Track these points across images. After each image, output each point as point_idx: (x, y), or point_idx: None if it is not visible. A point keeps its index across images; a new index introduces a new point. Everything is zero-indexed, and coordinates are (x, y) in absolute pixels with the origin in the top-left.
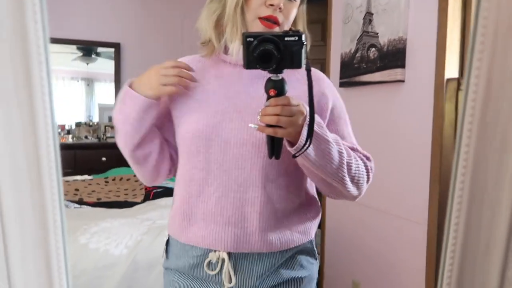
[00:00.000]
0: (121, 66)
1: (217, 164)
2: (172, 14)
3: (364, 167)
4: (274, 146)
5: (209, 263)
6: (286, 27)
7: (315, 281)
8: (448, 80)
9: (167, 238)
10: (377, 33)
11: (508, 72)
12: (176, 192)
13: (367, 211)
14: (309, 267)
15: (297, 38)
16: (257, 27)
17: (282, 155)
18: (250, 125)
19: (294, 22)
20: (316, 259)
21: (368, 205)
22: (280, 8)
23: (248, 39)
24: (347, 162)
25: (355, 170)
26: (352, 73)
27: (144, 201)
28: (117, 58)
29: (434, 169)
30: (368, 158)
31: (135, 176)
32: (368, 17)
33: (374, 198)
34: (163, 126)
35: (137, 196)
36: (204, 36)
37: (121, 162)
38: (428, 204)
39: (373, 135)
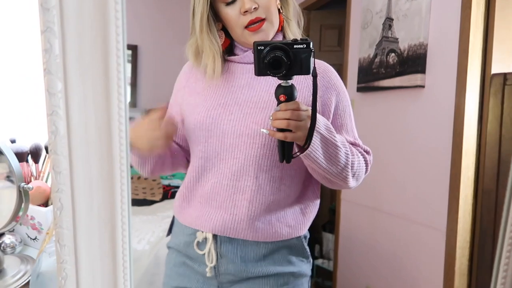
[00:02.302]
0: (137, 69)
1: (215, 153)
2: (189, 17)
3: (364, 162)
4: (285, 150)
5: (198, 242)
6: (273, 15)
7: (307, 279)
8: (494, 75)
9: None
10: (397, 38)
11: None
12: (184, 178)
13: (382, 216)
14: (298, 264)
15: (305, 46)
16: (248, 36)
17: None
18: (262, 130)
19: (283, 1)
20: (307, 258)
21: (383, 210)
22: (255, 8)
23: (259, 47)
24: (351, 162)
25: (357, 167)
26: (370, 78)
27: (162, 199)
28: (134, 61)
29: (454, 175)
30: (368, 152)
31: None
32: (388, 22)
33: (390, 203)
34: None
35: (155, 194)
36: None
37: None
38: (447, 211)
39: (392, 140)
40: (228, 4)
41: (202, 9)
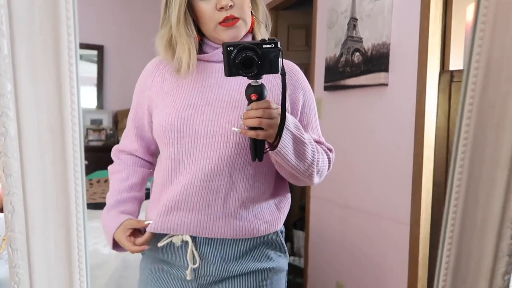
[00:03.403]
0: (103, 69)
1: (187, 154)
2: (155, 17)
3: (327, 160)
4: (257, 149)
5: (175, 246)
6: (246, 14)
7: (284, 273)
8: (442, 72)
9: None
10: (361, 38)
11: (505, 59)
12: (153, 181)
13: (351, 212)
14: (277, 259)
15: (273, 45)
16: (220, 31)
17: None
18: (233, 128)
19: (253, 2)
20: (284, 252)
21: (352, 206)
22: (231, 6)
23: (228, 48)
24: (316, 159)
25: (321, 164)
26: (336, 77)
27: None
28: (100, 61)
29: (416, 169)
30: (330, 150)
31: None
32: (353, 22)
33: (358, 199)
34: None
35: None
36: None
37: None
38: (411, 204)
39: (357, 137)
40: None
41: (180, 0)
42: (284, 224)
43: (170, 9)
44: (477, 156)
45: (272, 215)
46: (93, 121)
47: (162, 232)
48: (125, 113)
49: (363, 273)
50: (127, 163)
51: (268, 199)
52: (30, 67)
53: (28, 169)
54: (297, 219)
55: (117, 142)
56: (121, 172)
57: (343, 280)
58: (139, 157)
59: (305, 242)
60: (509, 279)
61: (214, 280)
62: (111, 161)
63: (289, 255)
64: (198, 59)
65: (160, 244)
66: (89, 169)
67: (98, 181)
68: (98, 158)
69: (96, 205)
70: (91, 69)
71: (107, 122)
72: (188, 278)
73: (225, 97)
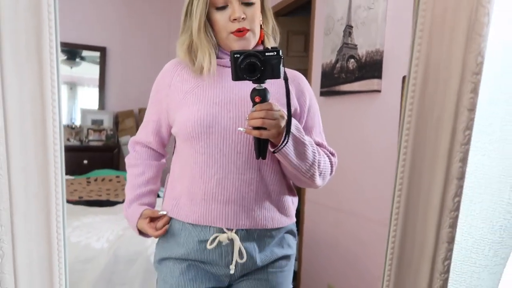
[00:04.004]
0: (106, 71)
1: (217, 149)
2: (158, 19)
3: (329, 163)
4: (261, 148)
5: (216, 243)
6: (256, 26)
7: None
8: (404, 77)
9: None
10: (356, 45)
11: (442, 61)
12: (176, 175)
13: (344, 216)
14: (293, 246)
15: (275, 53)
16: (232, 40)
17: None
18: (239, 128)
19: (264, 15)
20: (296, 239)
21: (345, 210)
22: (243, 18)
23: (235, 55)
24: (318, 160)
25: (323, 166)
26: (332, 82)
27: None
28: (102, 63)
29: None
30: (333, 154)
31: (117, 177)
32: (348, 29)
33: (351, 203)
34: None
35: (119, 195)
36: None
37: (103, 164)
38: None
39: (351, 142)
40: (218, 9)
41: (201, 10)
42: None
43: (191, 18)
44: (418, 151)
45: (290, 208)
46: (94, 122)
47: (202, 224)
48: (126, 114)
49: (354, 276)
50: (143, 156)
51: (287, 194)
52: (14, 62)
53: (12, 153)
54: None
55: (117, 143)
56: (137, 166)
57: (334, 282)
58: (153, 149)
59: (299, 245)
60: (448, 264)
61: (246, 271)
62: (110, 161)
63: None
64: (221, 65)
65: (210, 246)
66: (88, 168)
67: (96, 180)
68: (97, 157)
69: (93, 202)
70: (94, 71)
71: (107, 123)
72: (232, 272)
73: (246, 97)
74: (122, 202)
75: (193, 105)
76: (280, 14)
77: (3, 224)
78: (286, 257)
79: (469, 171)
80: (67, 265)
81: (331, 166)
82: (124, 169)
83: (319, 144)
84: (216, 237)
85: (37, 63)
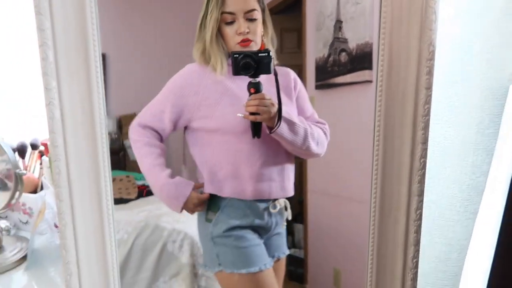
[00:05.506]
0: (106, 77)
1: (251, 140)
2: (157, 26)
3: (322, 132)
4: (256, 129)
5: (265, 211)
6: (258, 37)
7: None
8: None
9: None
10: (346, 39)
11: (402, 49)
12: (213, 163)
13: (345, 202)
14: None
15: (266, 54)
16: (237, 48)
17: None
18: (238, 114)
19: (265, 27)
20: None
21: (346, 196)
22: (247, 32)
23: (235, 56)
24: (310, 133)
25: (317, 135)
26: (326, 76)
27: (138, 197)
28: (103, 70)
29: None
30: (323, 123)
31: (127, 176)
32: (338, 24)
33: (352, 190)
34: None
35: (131, 193)
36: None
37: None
38: None
39: (347, 131)
40: (227, 24)
41: (213, 24)
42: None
43: (205, 30)
44: (389, 121)
45: None
46: None
47: (256, 198)
48: (129, 118)
49: (359, 259)
50: (157, 138)
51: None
52: (68, 69)
53: (68, 141)
54: (297, 213)
55: (122, 146)
56: (156, 147)
57: (339, 266)
58: (162, 136)
59: (304, 233)
60: (420, 214)
61: (276, 231)
62: (117, 163)
63: (290, 247)
64: (229, 65)
65: (273, 210)
66: None
67: (114, 180)
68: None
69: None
70: None
71: (111, 127)
72: (283, 229)
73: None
74: (135, 199)
75: (230, 105)
76: (273, 12)
77: (64, 199)
78: (288, 222)
79: (438, 141)
80: (116, 235)
81: (325, 134)
82: (132, 170)
83: (311, 114)
84: (270, 206)
85: (84, 68)
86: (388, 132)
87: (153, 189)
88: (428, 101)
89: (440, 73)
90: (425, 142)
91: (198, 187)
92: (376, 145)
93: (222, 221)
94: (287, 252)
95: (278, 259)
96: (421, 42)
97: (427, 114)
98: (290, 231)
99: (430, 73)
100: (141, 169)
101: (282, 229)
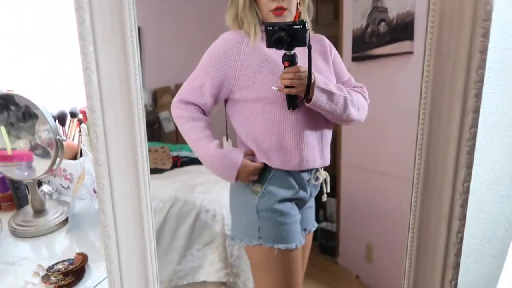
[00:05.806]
0: (142, 51)
1: (299, 108)
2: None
3: (362, 97)
4: (291, 101)
5: (312, 180)
6: (293, 6)
7: None
8: None
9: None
10: (386, 8)
11: (455, 10)
12: (258, 133)
13: (379, 177)
14: None
15: (302, 26)
16: (271, 17)
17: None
18: (272, 87)
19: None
20: None
21: (380, 171)
22: None
23: (268, 28)
24: (350, 100)
25: (357, 101)
26: (363, 47)
27: (172, 168)
28: (139, 42)
29: None
30: (362, 87)
31: (162, 147)
32: None
33: (386, 164)
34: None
35: (166, 164)
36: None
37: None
38: None
39: (384, 105)
40: None
41: None
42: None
43: None
44: (437, 88)
45: None
46: None
47: (303, 169)
48: (164, 90)
49: (391, 234)
50: (200, 112)
51: None
52: (104, 34)
53: (106, 106)
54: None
55: (157, 118)
56: (201, 120)
57: (372, 241)
58: (204, 111)
59: (336, 207)
60: (468, 187)
61: (309, 204)
62: (152, 135)
63: (322, 221)
64: (262, 31)
65: (315, 182)
66: None
67: (149, 150)
68: None
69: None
70: None
71: (146, 100)
72: (325, 199)
73: (303, 64)
74: (169, 169)
75: (273, 74)
76: None
77: (101, 164)
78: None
79: (489, 111)
80: (152, 202)
81: (365, 98)
82: (166, 141)
83: (348, 78)
84: (312, 177)
85: (120, 33)
86: (435, 101)
87: (204, 162)
88: (482, 66)
89: (495, 38)
90: (476, 111)
91: (249, 154)
92: (422, 115)
93: (269, 194)
94: (316, 225)
95: (309, 232)
96: (476, 1)
97: (481, 80)
98: (322, 205)
99: (485, 35)
100: (189, 144)
101: (313, 202)
